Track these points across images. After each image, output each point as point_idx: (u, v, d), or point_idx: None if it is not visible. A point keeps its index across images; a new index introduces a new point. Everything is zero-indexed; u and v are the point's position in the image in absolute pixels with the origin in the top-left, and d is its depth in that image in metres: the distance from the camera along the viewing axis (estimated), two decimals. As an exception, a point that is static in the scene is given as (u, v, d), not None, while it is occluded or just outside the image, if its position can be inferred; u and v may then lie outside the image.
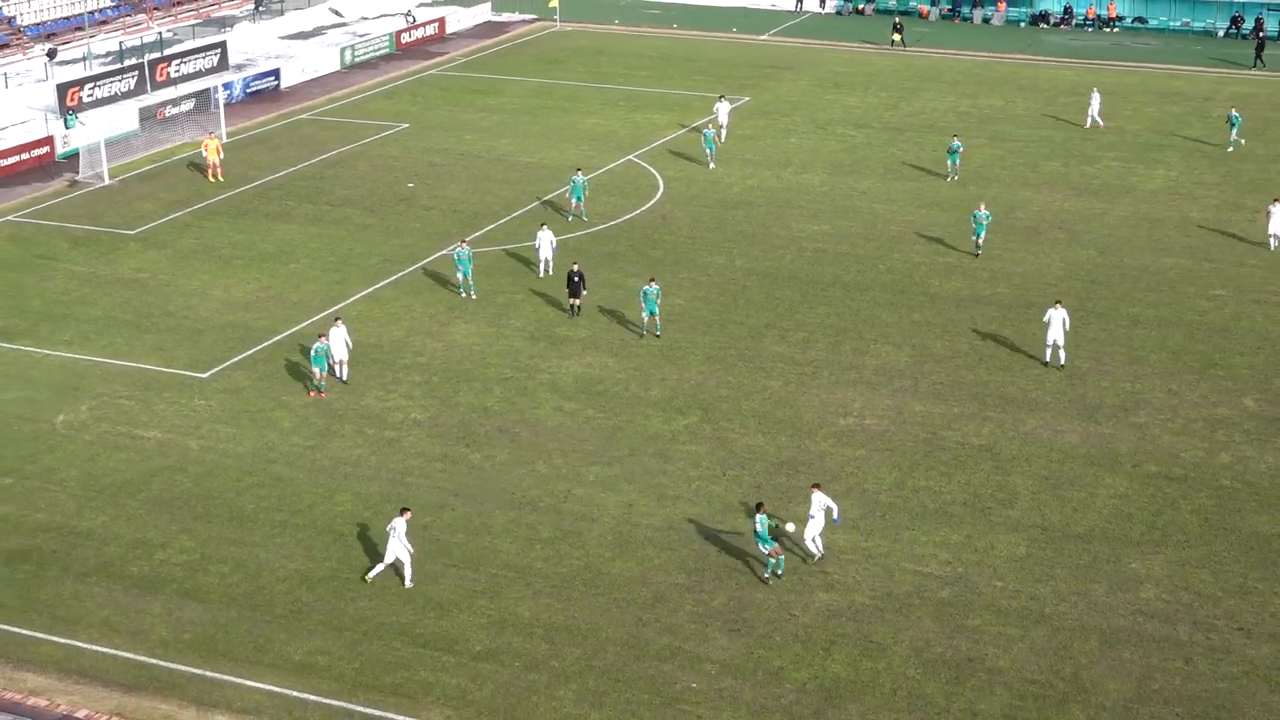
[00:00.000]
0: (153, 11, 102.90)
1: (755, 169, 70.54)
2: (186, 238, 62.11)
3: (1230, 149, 72.94)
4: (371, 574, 37.43)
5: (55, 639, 35.25)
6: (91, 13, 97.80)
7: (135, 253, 60.42)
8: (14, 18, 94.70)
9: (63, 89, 79.59)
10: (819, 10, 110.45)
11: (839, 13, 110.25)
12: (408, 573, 37.21)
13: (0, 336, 52.19)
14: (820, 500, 37.84)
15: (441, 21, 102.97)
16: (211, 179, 69.40)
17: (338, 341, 47.89)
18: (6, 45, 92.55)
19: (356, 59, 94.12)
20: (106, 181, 69.73)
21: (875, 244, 60.57)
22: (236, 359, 50.16)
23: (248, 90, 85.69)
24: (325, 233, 62.39)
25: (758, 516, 37.22)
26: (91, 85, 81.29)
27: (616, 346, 50.97)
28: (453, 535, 39.50)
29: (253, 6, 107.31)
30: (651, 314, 51.07)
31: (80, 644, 35.07)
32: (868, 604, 36.45)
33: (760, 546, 37.22)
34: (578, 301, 52.82)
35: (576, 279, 52.62)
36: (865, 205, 65.54)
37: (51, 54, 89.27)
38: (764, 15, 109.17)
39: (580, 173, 63.49)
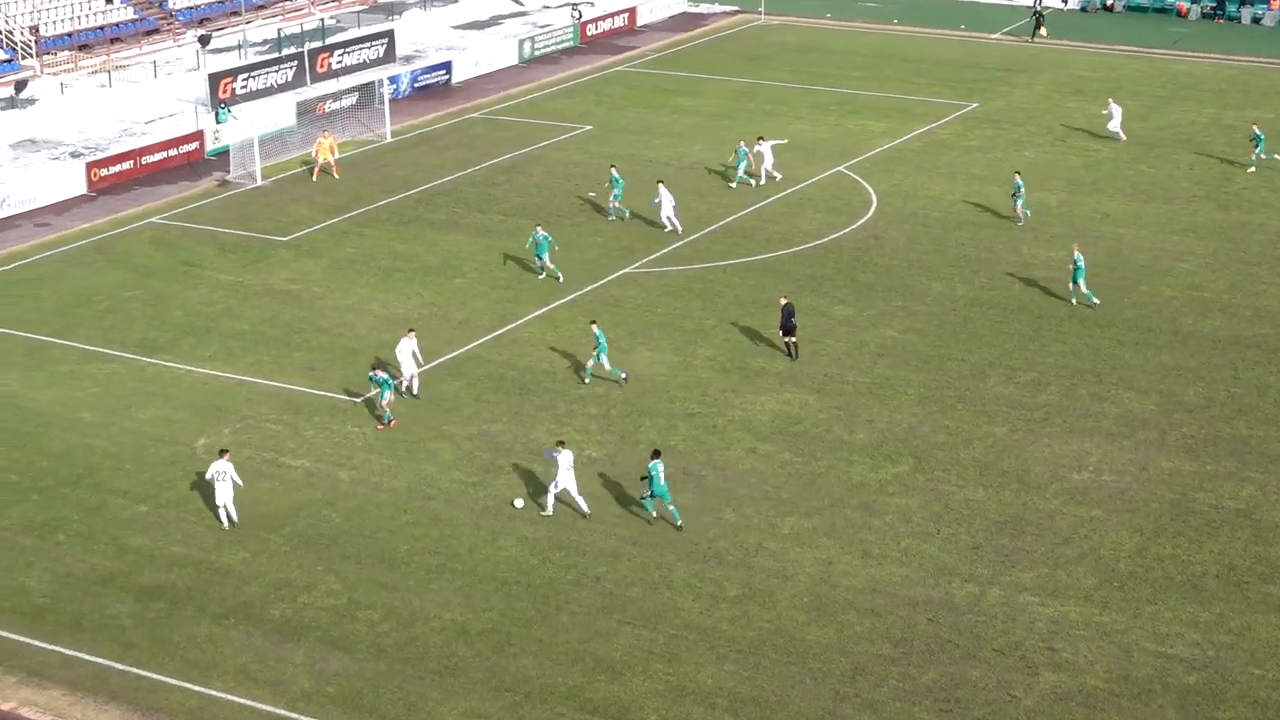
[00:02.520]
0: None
1: (982, 185, 69.87)
2: (344, 246, 63.24)
3: (1251, 169, 71.36)
4: (224, 523, 42.17)
5: (188, 686, 35.97)
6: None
7: (287, 261, 61.67)
8: (166, 1, 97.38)
9: (215, 79, 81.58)
10: (1060, 6, 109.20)
11: (1084, 9, 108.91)
12: (232, 511, 42.19)
13: (140, 350, 53.57)
14: (567, 458, 42.05)
15: (632, 12, 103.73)
16: (315, 178, 71.27)
17: (406, 353, 49.04)
18: (156, 31, 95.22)
19: (536, 52, 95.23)
20: (259, 182, 71.31)
21: (1119, 274, 59.60)
22: (394, 382, 50.83)
23: (416, 85, 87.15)
24: (496, 245, 63.09)
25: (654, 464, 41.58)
26: (246, 76, 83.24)
27: (819, 382, 50.76)
28: (628, 589, 39.57)
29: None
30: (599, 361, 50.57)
31: (214, 693, 35.74)
32: (1101, 688, 35.76)
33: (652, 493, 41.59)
34: (793, 339, 52.41)
35: (792, 313, 52.20)
36: (1109, 229, 64.55)
37: (204, 41, 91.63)
38: (996, 11, 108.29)
39: (615, 169, 66.01)
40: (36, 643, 37.58)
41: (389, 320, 55.69)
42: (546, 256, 58.94)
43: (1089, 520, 42.62)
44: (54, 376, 51.66)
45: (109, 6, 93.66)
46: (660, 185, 64.38)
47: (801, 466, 45.57)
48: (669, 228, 63.78)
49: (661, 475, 41.75)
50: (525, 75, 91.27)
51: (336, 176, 71.45)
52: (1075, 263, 56.22)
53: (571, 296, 57.78)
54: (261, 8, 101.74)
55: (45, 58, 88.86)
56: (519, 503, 43.14)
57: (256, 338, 54.63)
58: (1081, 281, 56.18)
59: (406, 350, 49.43)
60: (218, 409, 49.30)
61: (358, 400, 49.53)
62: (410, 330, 50.65)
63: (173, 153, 74.61)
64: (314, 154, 72.30)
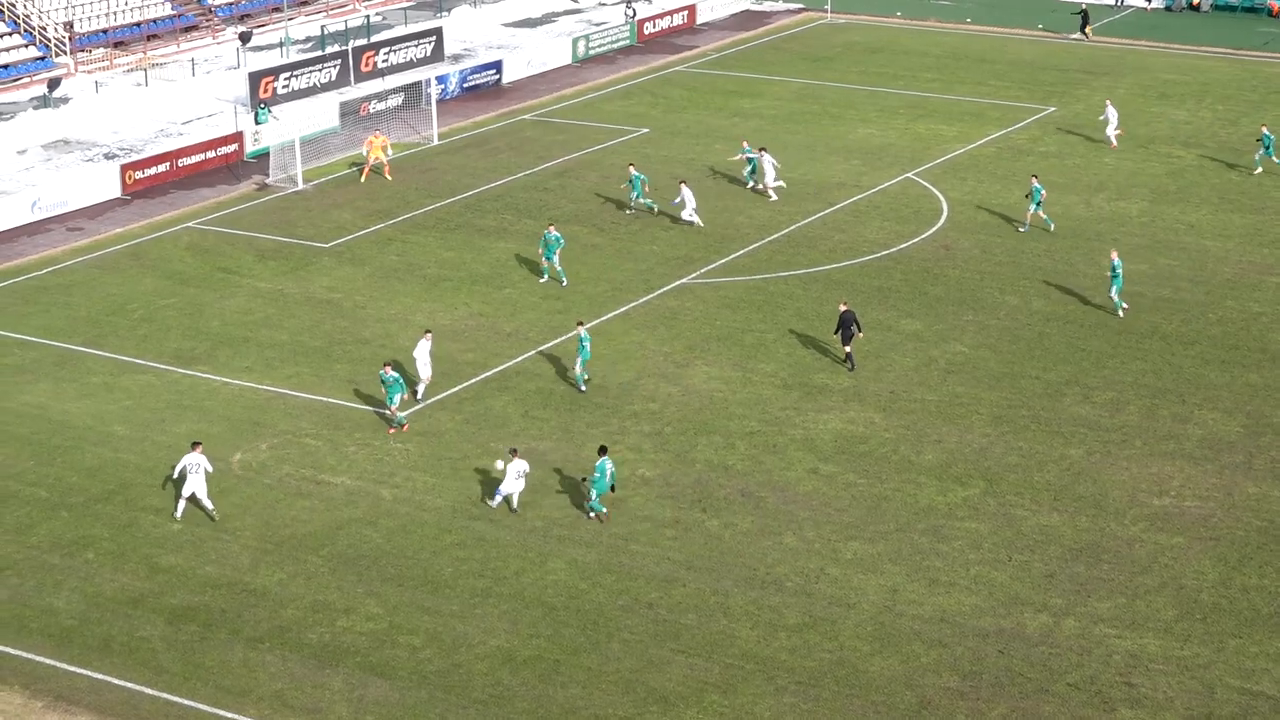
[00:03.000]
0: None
1: (1060, 194, 69.62)
2: (388, 254, 63.52)
3: (1258, 169, 72.55)
4: (179, 513, 43.72)
5: (221, 713, 36.13)
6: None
7: (329, 269, 61.98)
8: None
9: (255, 78, 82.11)
10: (1144, 5, 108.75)
11: (1168, 8, 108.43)
12: (207, 504, 43.66)
13: (175, 361, 53.92)
14: (518, 467, 43.85)
15: (691, 9, 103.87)
16: (364, 179, 72.22)
17: (423, 356, 50.27)
18: (195, 27, 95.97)
19: (591, 51, 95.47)
20: (300, 186, 71.70)
21: (1204, 288, 59.32)
22: (439, 397, 51.04)
23: (464, 85, 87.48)
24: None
25: (602, 462, 43.60)
26: (288, 75, 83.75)
27: (885, 399, 50.70)
28: (682, 616, 39.59)
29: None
30: (585, 361, 51.82)
31: (249, 720, 36.00)
32: (1181, 725, 35.62)
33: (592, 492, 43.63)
34: (849, 349, 52.83)
35: (850, 321, 52.50)
36: (1193, 241, 64.26)
37: (244, 38, 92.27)
38: (1077, 9, 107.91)
39: (633, 167, 67.97)
40: (64, 666, 37.85)
41: (435, 331, 55.78)
42: (555, 258, 59.99)
43: (1170, 548, 42.40)
44: (85, 388, 52.06)
45: (146, 2, 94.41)
46: (682, 185, 66.14)
47: (866, 488, 45.51)
48: (692, 223, 65.58)
49: (609, 474, 43.61)
50: (579, 75, 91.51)
51: (389, 178, 71.96)
52: (1114, 268, 56.41)
53: (625, 308, 57.87)
54: (305, 4, 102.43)
55: (79, 55, 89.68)
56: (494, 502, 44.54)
57: (296, 349, 54.93)
58: (1114, 289, 56.55)
59: (424, 352, 50.37)
60: (255, 423, 49.59)
61: (402, 415, 49.71)
62: (427, 331, 51.49)
63: (211, 155, 75.09)
64: (365, 153, 72.77)
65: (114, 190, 70.85)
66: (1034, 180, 65.05)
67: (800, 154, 75.38)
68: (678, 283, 60.17)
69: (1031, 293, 59.07)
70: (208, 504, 43.83)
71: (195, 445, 44.20)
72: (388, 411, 48.86)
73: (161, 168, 72.96)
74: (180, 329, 56.60)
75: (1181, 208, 68.16)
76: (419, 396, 50.64)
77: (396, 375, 48.44)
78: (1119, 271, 56.35)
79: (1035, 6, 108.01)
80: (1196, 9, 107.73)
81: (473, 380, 52.22)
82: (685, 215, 65.35)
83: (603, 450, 43.87)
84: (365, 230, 66.19)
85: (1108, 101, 78.91)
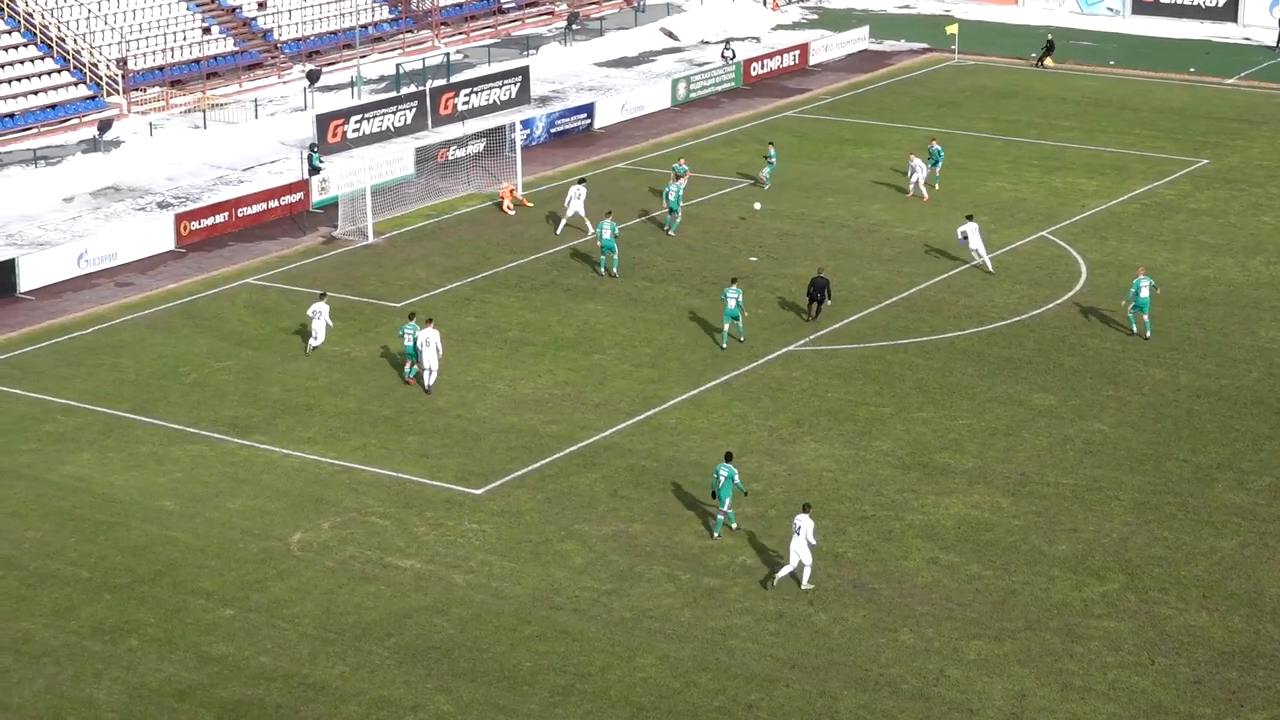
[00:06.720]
0: (439, 28, 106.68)
1: (1213, 255, 69.31)
2: (465, 315, 63.88)
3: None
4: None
5: (274, 818, 36.36)
6: (364, 27, 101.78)
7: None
8: (270, 31, 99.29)
9: (324, 121, 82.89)
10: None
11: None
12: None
13: (230, 430, 54.37)
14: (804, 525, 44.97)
15: (803, 49, 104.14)
16: (511, 210, 76.41)
17: (429, 346, 56.65)
18: (259, 65, 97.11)
19: (692, 94, 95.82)
20: (370, 239, 72.28)
21: (1376, 363, 58.95)
22: (520, 473, 51.22)
23: (552, 130, 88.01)
24: (640, 316, 63.43)
25: (725, 467, 47.10)
26: (359, 117, 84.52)
27: (1014, 482, 50.48)
28: (785, 720, 39.54)
29: (565, 24, 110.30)
30: (734, 319, 59.85)
31: (304, 827, 36.11)
32: None
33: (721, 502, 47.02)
34: (818, 307, 62.01)
35: (823, 286, 61.72)
36: (1363, 310, 63.87)
37: (313, 77, 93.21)
38: (1233, 51, 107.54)
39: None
40: (104, 763, 38.19)
41: (515, 401, 56.13)
42: (613, 256, 67.54)
43: (1334, 653, 42.00)
44: (133, 458, 52.56)
45: (206, 37, 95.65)
46: (578, 182, 74.59)
47: (992, 581, 45.29)
48: (562, 229, 72.53)
49: (722, 478, 46.99)
50: (679, 120, 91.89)
51: (515, 210, 76.29)
52: (1135, 288, 60.16)
53: (726, 377, 57.92)
54: (378, 40, 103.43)
55: (133, 94, 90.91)
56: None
57: (363, 418, 55.27)
58: (1144, 311, 60.20)
59: (429, 343, 56.62)
60: (317, 499, 49.89)
61: (477, 492, 49.94)
62: (429, 320, 57.74)
63: (273, 204, 75.75)
64: (500, 196, 76.49)
65: (167, 242, 71.57)
66: (933, 142, 74.05)
67: (922, 209, 75.35)
68: (784, 350, 60.20)
69: (1180, 365, 58.74)
70: (315, 341, 59.14)
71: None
72: (409, 366, 57.31)
73: (219, 218, 73.69)
74: (237, 395, 57.09)
75: (1350, 273, 67.72)
76: (426, 388, 56.79)
77: (414, 339, 56.74)
78: (1140, 291, 59.91)
79: (1186, 48, 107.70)
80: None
81: (556, 455, 52.36)
82: (570, 211, 72.28)
83: (728, 456, 47.73)
84: (441, 289, 66.61)
85: (911, 154, 78.80)
